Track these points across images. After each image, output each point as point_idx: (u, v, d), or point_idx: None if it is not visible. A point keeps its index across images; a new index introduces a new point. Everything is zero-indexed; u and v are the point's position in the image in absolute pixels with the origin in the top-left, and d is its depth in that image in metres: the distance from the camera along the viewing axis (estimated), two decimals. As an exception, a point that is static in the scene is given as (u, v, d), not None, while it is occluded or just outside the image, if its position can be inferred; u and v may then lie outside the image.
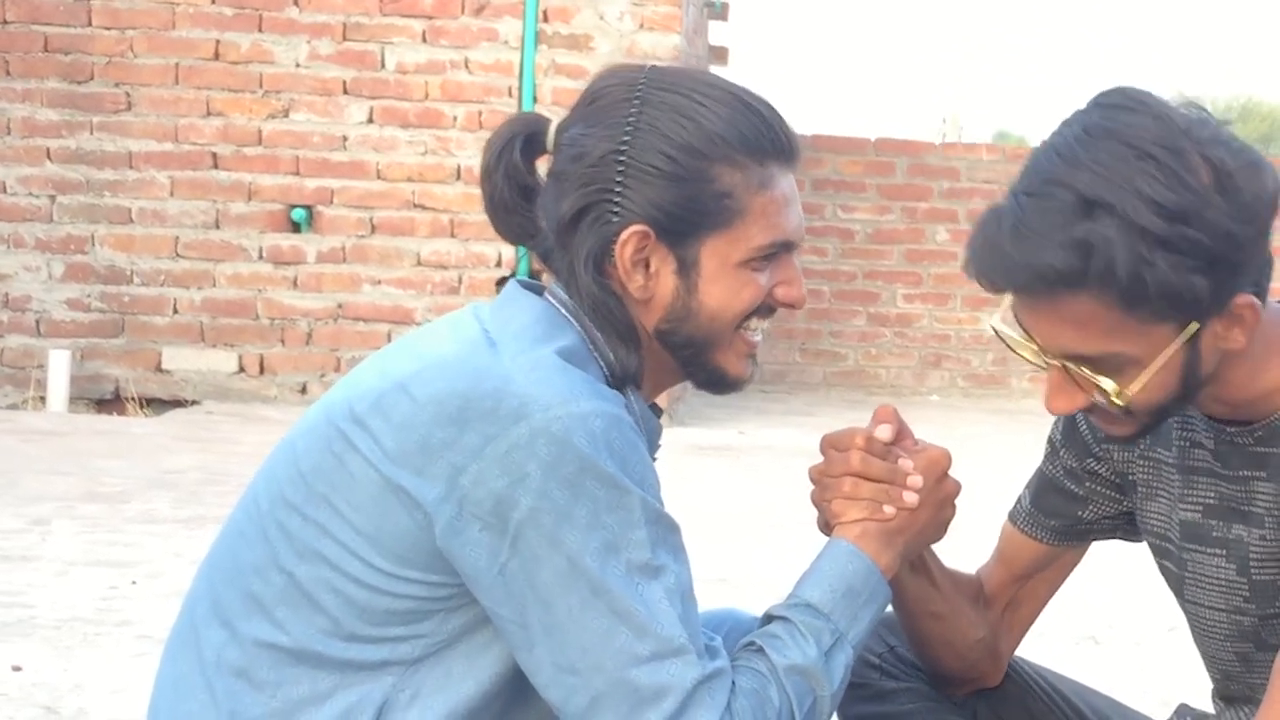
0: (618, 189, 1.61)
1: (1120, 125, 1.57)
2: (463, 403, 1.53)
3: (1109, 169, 1.55)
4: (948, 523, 1.75)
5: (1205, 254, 1.55)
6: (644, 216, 1.61)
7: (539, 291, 1.68)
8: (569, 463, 1.51)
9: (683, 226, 1.61)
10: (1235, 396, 1.69)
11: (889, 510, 1.69)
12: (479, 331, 1.61)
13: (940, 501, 1.73)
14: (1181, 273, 1.55)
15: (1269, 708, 1.60)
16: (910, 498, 1.70)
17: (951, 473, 1.75)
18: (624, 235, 1.61)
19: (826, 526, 1.73)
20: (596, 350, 1.64)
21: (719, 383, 1.70)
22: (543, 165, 1.70)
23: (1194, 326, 1.60)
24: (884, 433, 1.71)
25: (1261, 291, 1.62)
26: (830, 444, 1.73)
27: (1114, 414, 1.66)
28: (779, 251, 1.66)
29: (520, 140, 1.67)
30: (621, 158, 1.61)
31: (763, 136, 1.63)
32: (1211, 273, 1.56)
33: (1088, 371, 1.63)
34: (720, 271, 1.63)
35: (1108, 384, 1.63)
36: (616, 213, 1.61)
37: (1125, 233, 1.55)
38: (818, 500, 1.73)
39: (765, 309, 1.68)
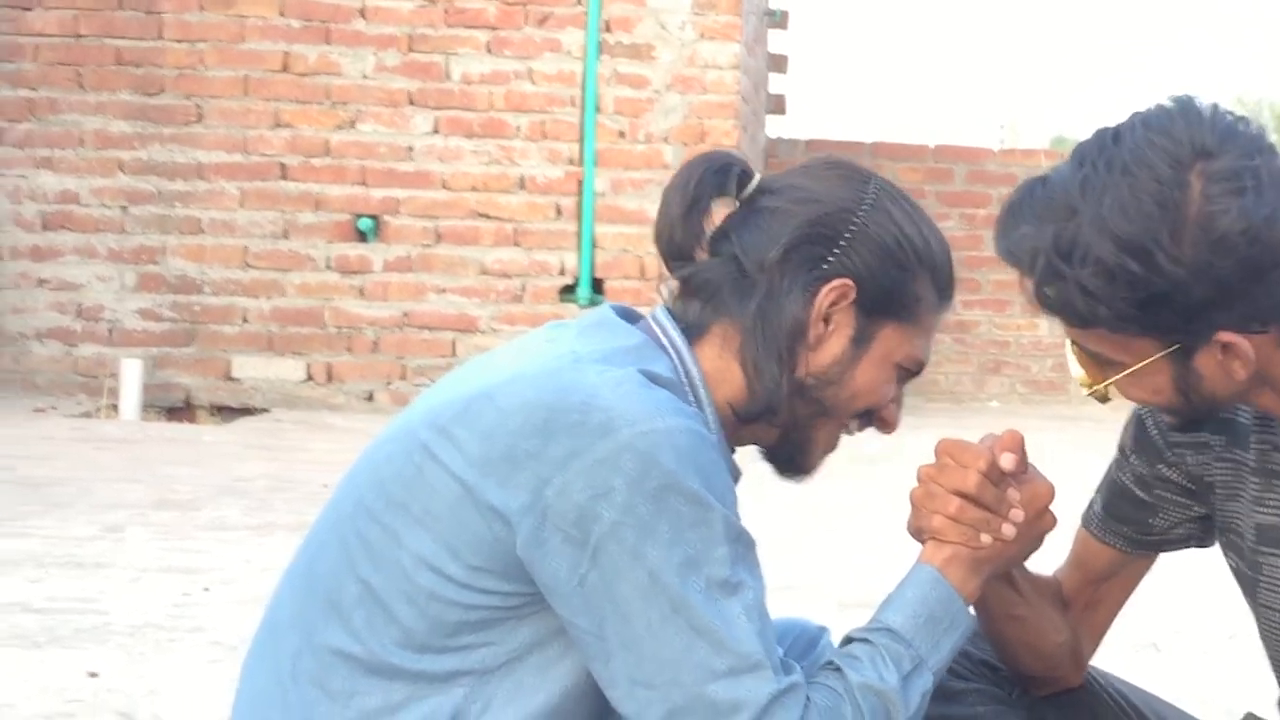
0: (844, 242, 1.68)
1: (1143, 135, 1.57)
2: (549, 414, 1.55)
3: (1100, 176, 1.56)
4: (1033, 553, 1.77)
5: (1144, 291, 1.55)
6: (854, 275, 1.68)
7: (633, 319, 1.72)
8: (654, 478, 1.53)
9: (880, 303, 1.69)
10: None
11: (985, 539, 1.70)
12: (568, 350, 1.63)
13: (1035, 536, 1.74)
14: (1089, 299, 1.55)
15: None
16: (1009, 531, 1.70)
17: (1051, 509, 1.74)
18: (836, 282, 1.68)
19: (918, 532, 1.73)
20: (690, 384, 1.67)
21: (794, 461, 1.75)
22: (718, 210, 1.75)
23: (1175, 348, 1.60)
24: (1007, 462, 1.71)
25: (1270, 327, 1.60)
26: (950, 453, 1.71)
27: (1163, 409, 1.69)
28: (914, 372, 1.75)
29: (739, 170, 1.73)
30: (856, 219, 1.69)
31: (948, 274, 1.75)
32: (1158, 307, 1.55)
33: (1072, 356, 1.67)
34: (882, 360, 1.71)
35: (1076, 371, 1.67)
36: (830, 262, 1.68)
37: (1059, 242, 1.56)
38: (918, 503, 1.72)
39: (869, 419, 1.75)
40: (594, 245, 8.02)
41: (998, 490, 1.70)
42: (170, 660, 3.46)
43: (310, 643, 1.63)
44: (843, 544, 5.03)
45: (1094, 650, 2.02)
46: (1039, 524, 1.73)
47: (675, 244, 1.72)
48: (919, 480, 1.72)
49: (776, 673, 1.56)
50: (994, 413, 9.36)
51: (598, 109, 8.00)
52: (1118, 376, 1.64)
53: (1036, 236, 1.58)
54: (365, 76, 8.03)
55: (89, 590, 4.05)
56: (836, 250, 1.67)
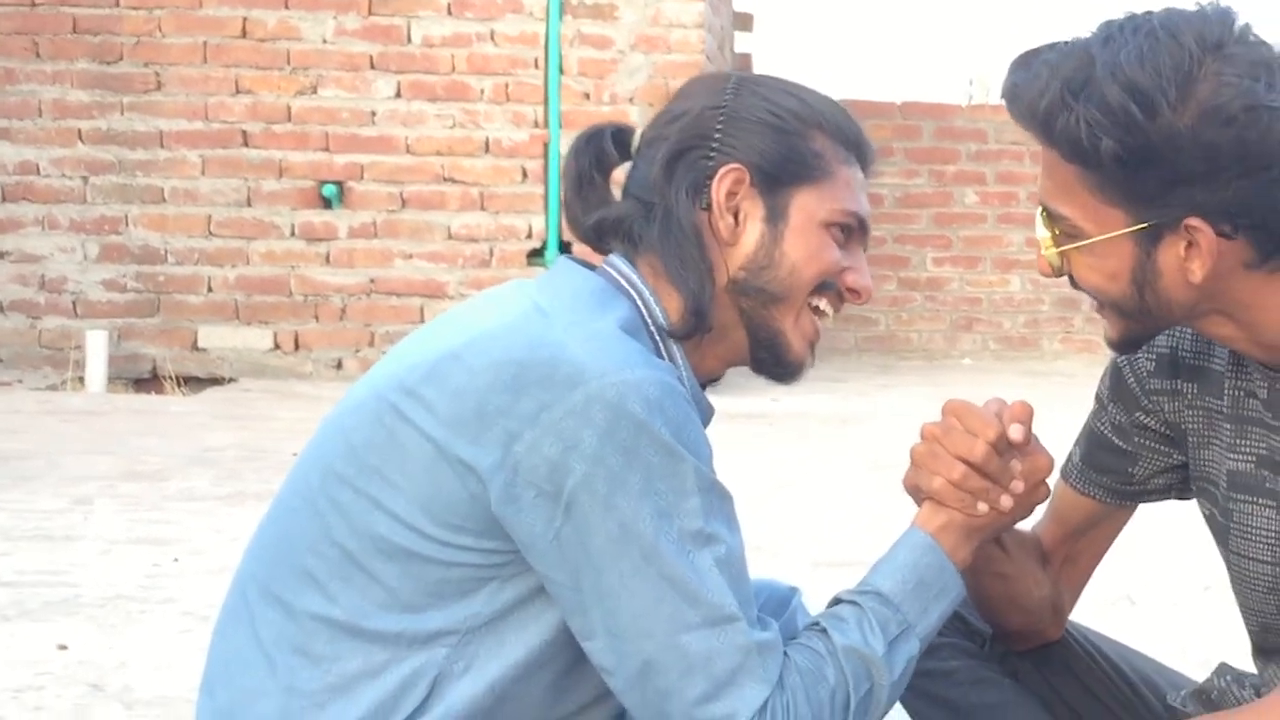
0: (717, 134, 1.67)
1: (1178, 15, 1.60)
2: (518, 369, 1.54)
3: (1124, 35, 1.58)
4: (1021, 520, 1.76)
5: (1141, 140, 1.56)
6: (742, 159, 1.66)
7: (590, 268, 1.70)
8: (623, 429, 1.52)
9: (777, 173, 1.66)
10: (1272, 341, 1.68)
11: (982, 508, 1.69)
12: (530, 303, 1.63)
13: (1028, 506, 1.73)
14: (1092, 132, 1.56)
15: None
16: (1007, 502, 1.70)
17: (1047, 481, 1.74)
18: (721, 172, 1.66)
19: (915, 489, 1.72)
20: (651, 320, 1.66)
21: (779, 359, 1.72)
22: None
23: (1143, 226, 1.60)
24: (1016, 433, 1.69)
25: (1240, 234, 1.60)
26: (959, 416, 1.70)
27: (1105, 307, 1.68)
28: (855, 229, 1.71)
29: (610, 130, 1.74)
30: (722, 111, 1.68)
31: (850, 129, 1.71)
32: (1145, 167, 1.57)
33: (1040, 220, 1.67)
34: (805, 227, 1.67)
35: (1043, 233, 1.67)
36: (713, 155, 1.67)
37: (1072, 80, 1.58)
38: (919, 461, 1.71)
39: (835, 293, 1.71)
40: (561, 208, 7.99)
41: (1003, 461, 1.69)
42: (141, 631, 3.45)
43: (289, 610, 1.62)
44: (816, 504, 5.04)
45: (1073, 604, 2.02)
46: (1034, 495, 1.73)
47: (581, 224, 1.73)
48: (923, 437, 1.71)
49: (752, 626, 1.56)
50: (966, 370, 9.39)
51: (561, 70, 7.96)
52: (1082, 243, 1.64)
53: (1051, 74, 1.59)
54: (325, 41, 7.97)
55: (58, 563, 4.04)
56: (714, 145, 1.66)
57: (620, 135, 1.74)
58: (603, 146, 1.73)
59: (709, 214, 1.66)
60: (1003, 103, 1.68)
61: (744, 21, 10.00)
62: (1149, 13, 1.61)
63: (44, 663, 3.18)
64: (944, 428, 1.70)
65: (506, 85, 7.98)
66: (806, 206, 1.67)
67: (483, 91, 8.00)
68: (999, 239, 9.93)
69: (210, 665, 1.69)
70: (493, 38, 7.99)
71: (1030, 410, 1.71)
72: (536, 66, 7.97)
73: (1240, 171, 1.56)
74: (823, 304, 1.71)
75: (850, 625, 1.62)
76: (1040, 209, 1.68)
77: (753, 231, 1.67)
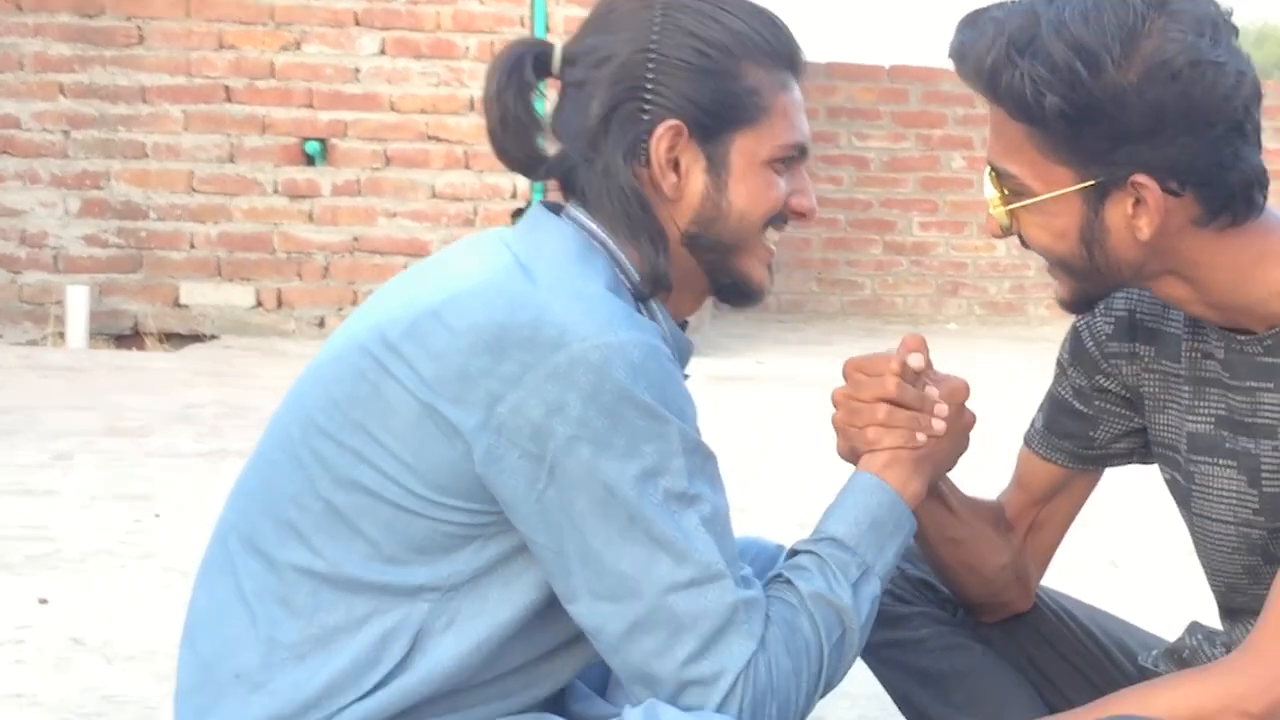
0: (649, 85, 1.62)
1: None
2: (500, 331, 1.53)
3: None
4: (961, 453, 1.77)
5: (1086, 97, 1.56)
6: (677, 112, 1.62)
7: (560, 213, 1.68)
8: (607, 392, 1.51)
9: (714, 122, 1.63)
10: (1224, 301, 1.68)
11: (920, 438, 1.70)
12: (510, 258, 1.60)
13: (960, 431, 1.75)
14: (1037, 89, 1.56)
15: (1269, 614, 1.61)
16: (939, 425, 1.71)
17: (969, 404, 1.76)
18: (658, 130, 1.62)
19: (851, 453, 1.73)
20: (623, 273, 1.64)
21: (743, 291, 1.71)
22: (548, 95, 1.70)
23: (1090, 184, 1.60)
24: (916, 360, 1.72)
25: (1187, 190, 1.60)
26: (859, 368, 1.73)
27: (1055, 266, 1.68)
28: (796, 156, 1.68)
29: (529, 58, 1.67)
30: (651, 56, 1.62)
31: (780, 42, 1.67)
32: (1090, 124, 1.57)
33: (989, 180, 1.67)
34: (748, 170, 1.65)
35: (991, 192, 1.67)
36: (648, 109, 1.62)
37: (1017, 37, 1.57)
38: (843, 424, 1.73)
39: (780, 218, 1.69)
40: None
41: (918, 391, 1.71)
42: (121, 586, 3.45)
43: (270, 562, 1.62)
44: (801, 464, 5.05)
45: (1041, 573, 2.02)
46: (962, 420, 1.75)
47: (510, 156, 1.68)
48: (835, 404, 1.73)
49: (738, 584, 1.56)
50: (951, 334, 9.40)
51: (547, 29, 7.91)
52: (1029, 201, 1.64)
53: (996, 31, 1.59)
54: (311, -4, 7.91)
55: (39, 517, 4.02)
56: (647, 97, 1.62)
57: (540, 59, 1.67)
58: (523, 78, 1.66)
59: (649, 170, 1.63)
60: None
61: (731, -18, 9.95)
62: None
63: (24, 616, 3.18)
64: (852, 383, 1.72)
65: (492, 43, 7.93)
66: (746, 149, 1.64)
67: (468, 49, 7.95)
68: (985, 204, 9.92)
69: (191, 615, 1.69)
70: (479, -5, 7.95)
71: (921, 339, 1.74)
72: (522, 25, 7.93)
73: (1185, 127, 1.57)
74: (769, 234, 1.70)
75: (813, 573, 1.62)
76: (989, 168, 1.68)
77: (696, 184, 1.64)
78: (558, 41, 1.69)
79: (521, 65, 1.66)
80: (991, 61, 1.59)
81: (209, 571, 1.69)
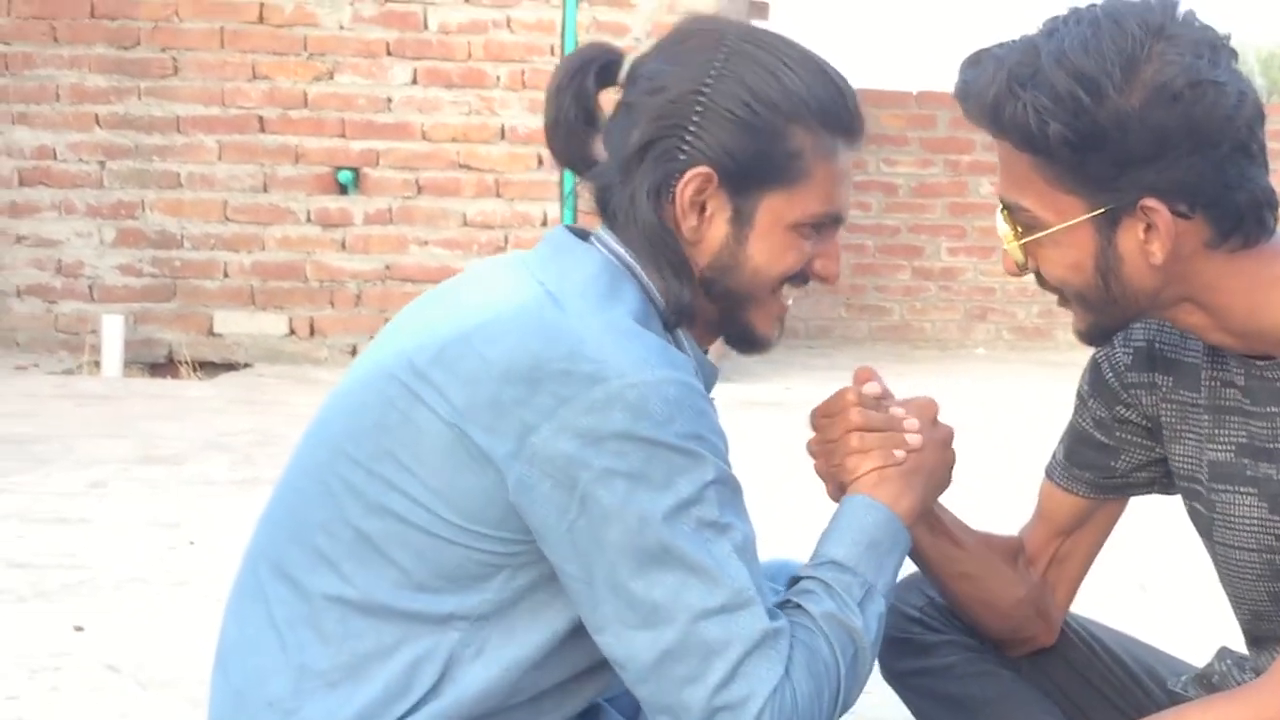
0: (691, 128, 1.62)
1: (1121, 3, 1.61)
2: (535, 362, 1.53)
3: (1068, 26, 1.60)
4: (951, 465, 1.78)
5: (1089, 124, 1.57)
6: (712, 159, 1.62)
7: (586, 238, 1.69)
8: (643, 429, 1.52)
9: (747, 177, 1.63)
10: (1241, 327, 1.69)
11: (899, 454, 1.71)
12: (537, 285, 1.61)
13: (940, 442, 1.75)
14: (1040, 118, 1.57)
15: None
16: (914, 438, 1.72)
17: (957, 421, 1.77)
18: (688, 175, 1.63)
19: (839, 490, 1.74)
20: (652, 301, 1.65)
21: (747, 341, 1.73)
22: (607, 100, 1.71)
23: (1101, 211, 1.61)
24: (872, 388, 1.75)
25: (1197, 212, 1.61)
26: (821, 414, 1.75)
27: (1071, 299, 1.69)
28: (828, 224, 1.69)
29: (596, 66, 1.68)
30: (701, 98, 1.62)
31: (838, 108, 1.66)
32: (1095, 150, 1.57)
33: (1000, 217, 1.68)
34: (772, 229, 1.65)
35: (1004, 229, 1.68)
36: (685, 151, 1.63)
37: (1018, 70, 1.59)
38: (824, 470, 1.75)
39: (801, 277, 1.70)
40: (576, 195, 7.98)
41: (882, 414, 1.73)
42: (155, 613, 3.46)
43: (301, 589, 1.62)
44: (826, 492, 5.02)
45: (1066, 607, 2.01)
46: (939, 432, 1.75)
47: (558, 153, 1.69)
48: (812, 455, 1.76)
49: (767, 612, 1.57)
50: (980, 360, 9.37)
51: (578, 58, 7.95)
52: (1043, 233, 1.64)
53: (998, 67, 1.61)
54: (342, 27, 7.97)
55: (74, 545, 4.04)
56: (687, 138, 1.62)
57: (607, 68, 1.68)
58: (584, 83, 1.68)
59: (673, 208, 1.64)
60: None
61: (760, 10, 9.98)
62: (1092, 4, 1.62)
63: (60, 644, 3.19)
64: (819, 429, 1.75)
65: (523, 72, 7.98)
66: (775, 209, 1.64)
67: (499, 78, 7.99)
68: (1013, 230, 9.89)
69: (223, 643, 1.70)
70: (509, 25, 7.99)
71: (870, 370, 1.76)
72: (553, 54, 7.96)
73: (1190, 148, 1.57)
74: (785, 290, 1.70)
75: (821, 596, 1.63)
76: (1000, 205, 1.68)
77: (718, 231, 1.65)
78: (630, 55, 1.70)
79: (586, 71, 1.68)
80: (994, 95, 1.60)
81: (240, 599, 1.69)
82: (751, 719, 1.53)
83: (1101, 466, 1.91)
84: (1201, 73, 1.57)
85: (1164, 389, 1.83)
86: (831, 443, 1.73)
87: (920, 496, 1.73)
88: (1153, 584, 4.00)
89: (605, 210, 1.68)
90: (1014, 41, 1.63)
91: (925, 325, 10.04)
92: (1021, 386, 7.58)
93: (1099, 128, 1.57)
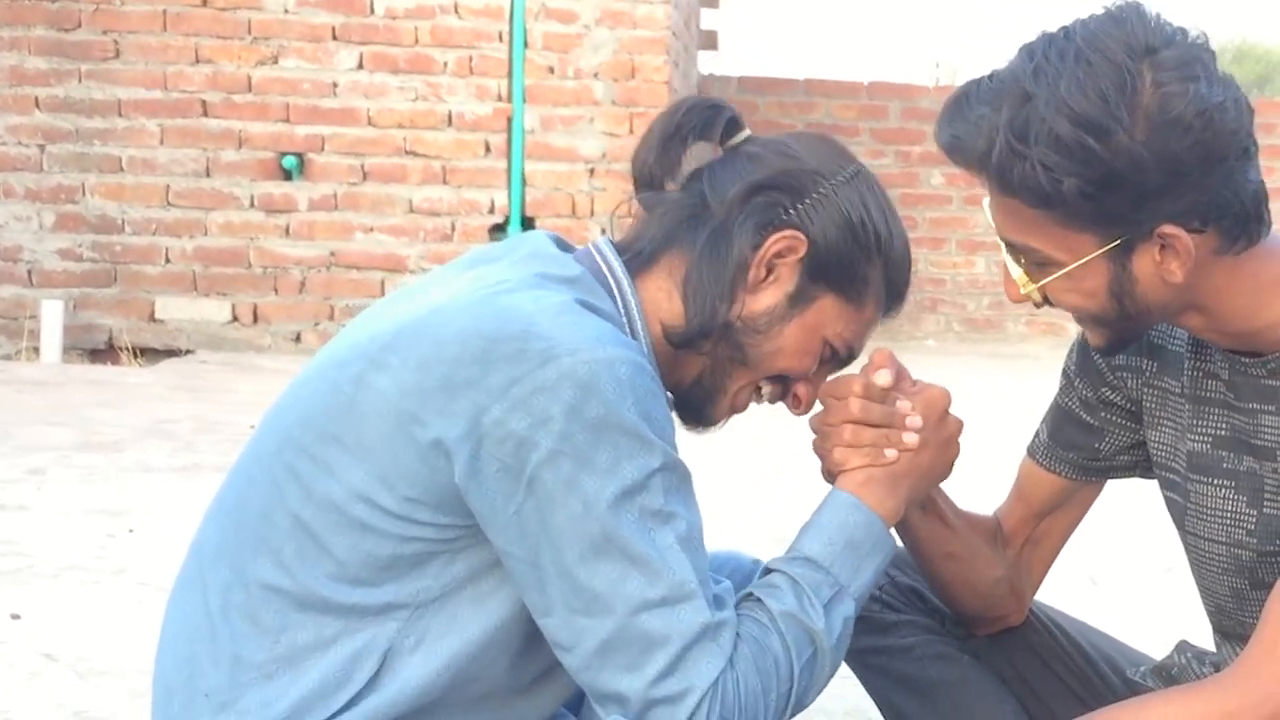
0: (807, 200, 1.68)
1: (1097, 29, 1.57)
2: (487, 343, 1.53)
3: (1052, 64, 1.56)
4: (953, 461, 1.77)
5: (1102, 169, 1.54)
6: (809, 234, 1.68)
7: (568, 249, 1.70)
8: (593, 408, 1.51)
9: (826, 270, 1.68)
10: (1238, 328, 1.68)
11: (890, 455, 1.69)
12: (498, 277, 1.61)
13: (944, 441, 1.74)
14: (1052, 176, 1.54)
15: (1262, 632, 1.61)
16: (911, 439, 1.71)
17: (952, 411, 1.75)
18: (786, 230, 1.67)
19: (830, 475, 1.73)
20: (628, 315, 1.66)
21: (697, 409, 1.74)
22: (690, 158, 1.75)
23: (1116, 243, 1.59)
24: (882, 378, 1.72)
25: (1209, 226, 1.60)
26: (828, 392, 1.73)
27: (1085, 320, 1.69)
28: (842, 356, 1.74)
29: (727, 116, 1.73)
30: (823, 186, 1.69)
31: (902, 280, 1.75)
32: (1111, 191, 1.55)
33: (1009, 257, 1.66)
34: (813, 327, 1.70)
35: (1015, 271, 1.66)
36: (790, 214, 1.68)
37: (1015, 124, 1.55)
38: (820, 450, 1.73)
39: (783, 390, 1.74)
40: (524, 183, 7.95)
41: (884, 407, 1.71)
42: (95, 601, 3.42)
43: (241, 577, 1.61)
44: (779, 481, 5.03)
45: (1036, 586, 2.03)
46: (944, 428, 1.74)
47: (648, 171, 1.72)
48: (813, 431, 1.73)
49: (710, 604, 1.56)
50: (930, 351, 9.40)
51: (526, 44, 7.91)
52: (1057, 274, 1.62)
53: (991, 120, 1.57)
54: (287, 11, 7.89)
55: (11, 532, 3.99)
56: (800, 205, 1.67)
57: (732, 124, 1.73)
58: (714, 120, 1.72)
59: (751, 254, 1.67)
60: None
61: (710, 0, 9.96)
62: (1066, 32, 1.59)
63: (-5, 632, 3.15)
64: (823, 408, 1.73)
65: (470, 58, 7.92)
66: (826, 313, 1.70)
67: (446, 64, 7.94)
68: (964, 220, 9.93)
69: (164, 633, 1.69)
70: (456, 10, 7.93)
71: (888, 353, 1.75)
72: (501, 40, 7.92)
73: (1203, 172, 1.56)
74: (766, 390, 1.74)
75: (785, 592, 1.62)
76: (1004, 244, 1.66)
77: (771, 297, 1.69)
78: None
79: (718, 112, 1.72)
80: (997, 158, 1.56)
81: (181, 588, 1.68)
82: (689, 711, 1.53)
83: (1085, 447, 1.91)
84: (1205, 98, 1.55)
85: (1148, 374, 1.83)
86: (829, 426, 1.71)
87: (906, 499, 1.73)
88: (1103, 577, 4.01)
89: (663, 224, 1.69)
90: (996, 83, 1.59)
91: (873, 316, 10.05)
92: (971, 378, 7.60)
93: (1112, 170, 1.54)
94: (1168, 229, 1.58)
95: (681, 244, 1.68)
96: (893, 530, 1.73)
